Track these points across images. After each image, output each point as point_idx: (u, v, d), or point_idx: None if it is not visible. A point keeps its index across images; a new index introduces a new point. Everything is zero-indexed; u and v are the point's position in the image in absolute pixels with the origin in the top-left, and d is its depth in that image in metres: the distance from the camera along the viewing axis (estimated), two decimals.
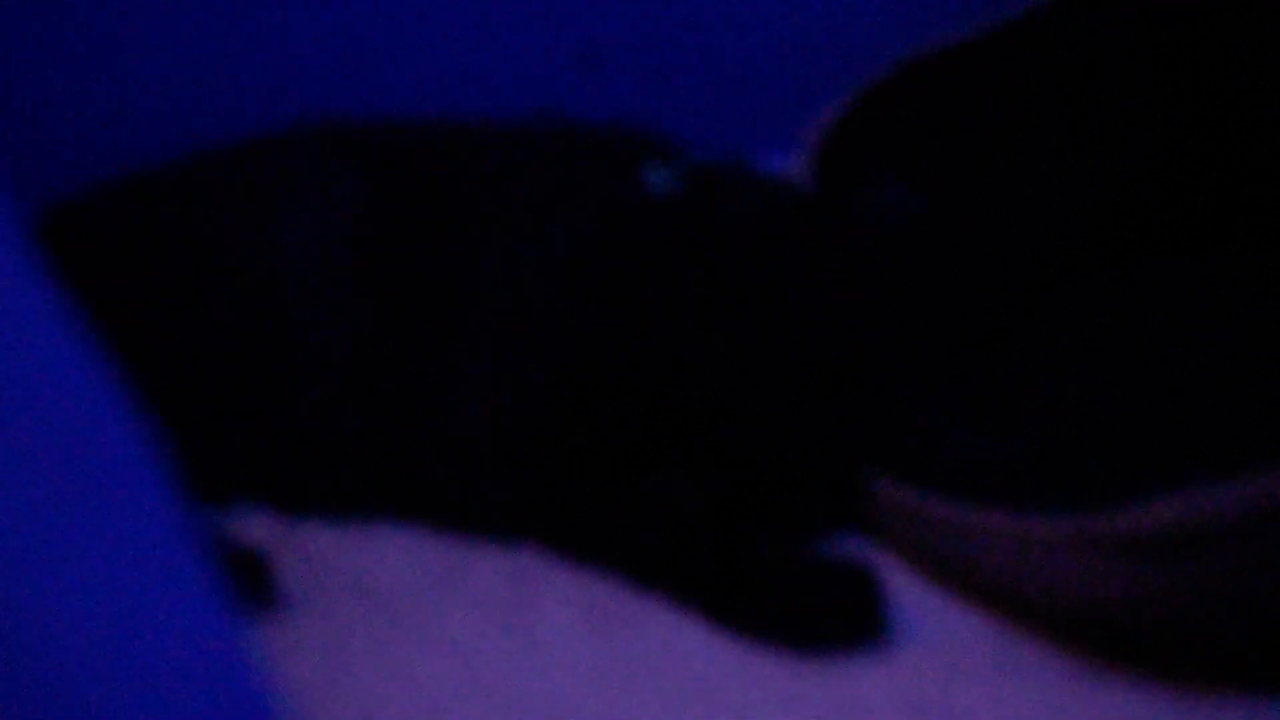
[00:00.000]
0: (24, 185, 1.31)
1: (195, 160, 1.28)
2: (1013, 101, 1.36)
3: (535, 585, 1.15)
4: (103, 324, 1.08)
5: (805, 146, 1.31)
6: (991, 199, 1.32)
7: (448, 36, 1.41)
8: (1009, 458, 1.17)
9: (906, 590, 1.14)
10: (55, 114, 1.37)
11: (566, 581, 1.15)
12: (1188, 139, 1.34)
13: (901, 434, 1.17)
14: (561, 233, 1.16)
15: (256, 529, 1.18)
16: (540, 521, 1.16)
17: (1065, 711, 1.08)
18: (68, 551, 0.62)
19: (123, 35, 1.37)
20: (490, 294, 1.16)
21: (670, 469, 1.14)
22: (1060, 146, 1.35)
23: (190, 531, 0.66)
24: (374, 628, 1.12)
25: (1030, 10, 1.38)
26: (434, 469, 1.17)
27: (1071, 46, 1.37)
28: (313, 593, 1.14)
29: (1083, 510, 1.08)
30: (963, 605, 1.13)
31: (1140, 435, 1.18)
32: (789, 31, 1.46)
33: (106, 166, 1.32)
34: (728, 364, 1.12)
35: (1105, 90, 1.36)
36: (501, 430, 1.15)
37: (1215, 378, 1.22)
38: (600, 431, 1.14)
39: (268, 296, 1.20)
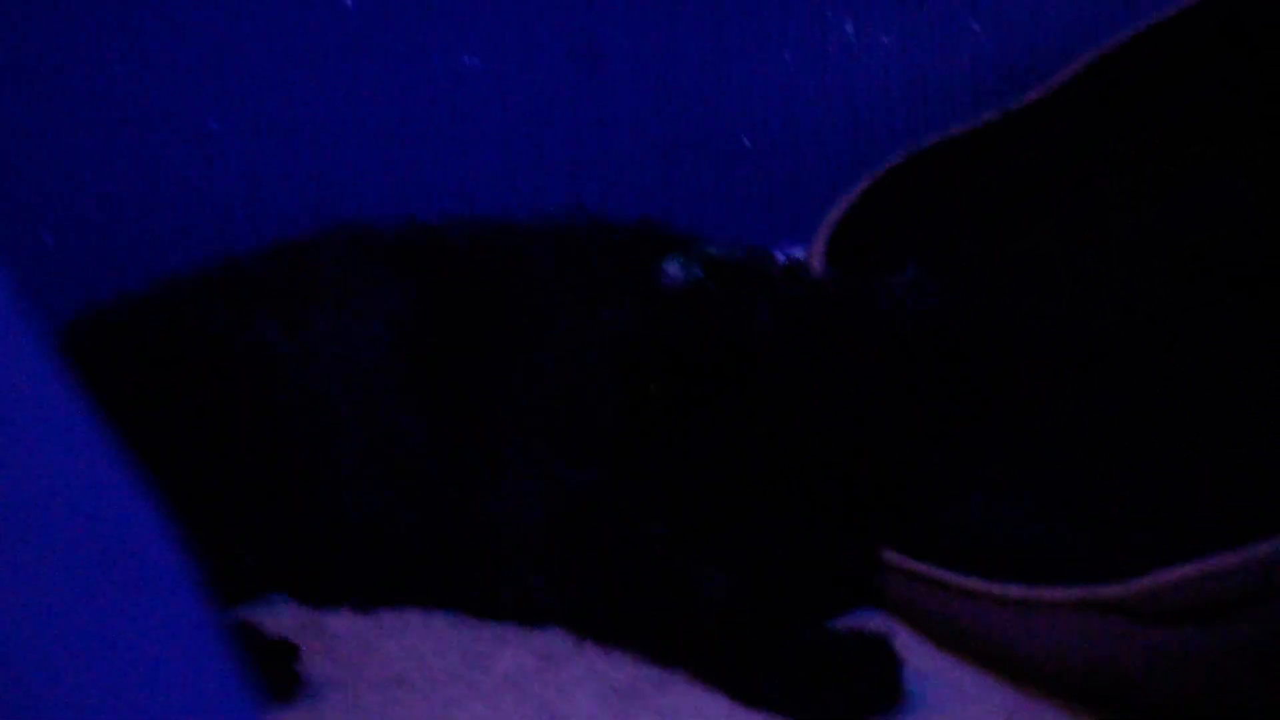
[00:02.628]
0: (53, 297, 1.33)
1: (225, 266, 1.29)
2: (1012, 186, 1.38)
3: (562, 666, 1.15)
4: (141, 426, 1.09)
5: (818, 235, 1.33)
6: (1000, 282, 1.33)
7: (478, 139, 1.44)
8: (1023, 529, 1.18)
9: (922, 661, 1.14)
10: (82, 226, 1.38)
11: (592, 661, 1.16)
12: (1199, 215, 1.35)
13: (919, 508, 1.18)
14: (595, 330, 1.18)
15: (284, 619, 1.19)
16: (572, 605, 1.17)
17: None
18: (94, 648, 0.64)
19: (149, 140, 1.39)
20: (534, 392, 1.18)
21: (697, 550, 1.16)
22: (1059, 229, 1.36)
23: (216, 624, 0.67)
24: (402, 715, 1.13)
25: (1024, 104, 1.40)
26: (475, 558, 1.19)
27: (1065, 134, 1.39)
28: (340, 681, 1.14)
29: (1093, 579, 1.09)
30: (978, 674, 1.13)
31: (1152, 505, 1.19)
32: (802, 127, 1.47)
33: (140, 272, 1.34)
34: (757, 449, 1.14)
35: (1098, 171, 1.37)
36: (554, 520, 1.17)
37: (1226, 450, 1.22)
38: (638, 519, 1.16)
39: (303, 398, 1.21)
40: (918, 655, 1.14)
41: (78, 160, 1.37)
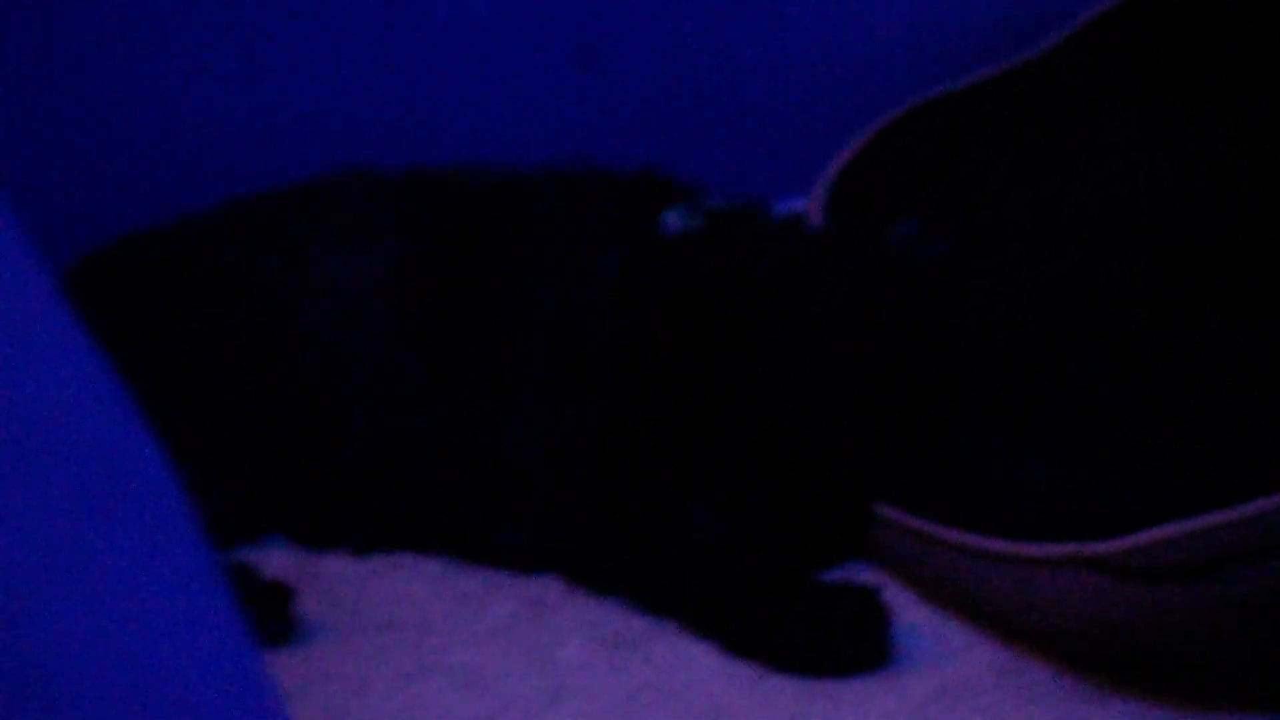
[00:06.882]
0: (59, 235, 1.33)
1: (229, 207, 1.30)
2: (1015, 141, 1.38)
3: (553, 614, 1.16)
4: (140, 365, 1.10)
5: (818, 188, 1.33)
6: (999, 236, 1.33)
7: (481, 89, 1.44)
8: (1013, 485, 1.18)
9: (912, 615, 1.15)
10: (89, 163, 1.38)
11: (583, 610, 1.16)
12: (1193, 172, 1.35)
13: (912, 462, 1.18)
14: (596, 274, 1.18)
15: (278, 561, 1.20)
16: (566, 553, 1.18)
17: None
18: (93, 583, 0.64)
19: (155, 83, 1.39)
20: (535, 336, 1.19)
21: (694, 496, 1.16)
22: (1061, 183, 1.36)
23: (212, 564, 0.67)
24: (394, 658, 1.13)
25: (1030, 58, 1.40)
26: (473, 503, 1.19)
27: (1070, 90, 1.39)
28: (333, 624, 1.15)
29: (1083, 536, 1.10)
30: (967, 629, 1.14)
31: (1143, 463, 1.19)
32: (806, 80, 1.47)
33: (142, 214, 1.34)
34: (756, 398, 1.14)
35: (1103, 128, 1.37)
36: (553, 466, 1.17)
37: (1219, 410, 1.23)
38: (640, 464, 1.17)
39: (304, 340, 1.22)
40: (907, 609, 1.15)
41: (84, 100, 1.37)
